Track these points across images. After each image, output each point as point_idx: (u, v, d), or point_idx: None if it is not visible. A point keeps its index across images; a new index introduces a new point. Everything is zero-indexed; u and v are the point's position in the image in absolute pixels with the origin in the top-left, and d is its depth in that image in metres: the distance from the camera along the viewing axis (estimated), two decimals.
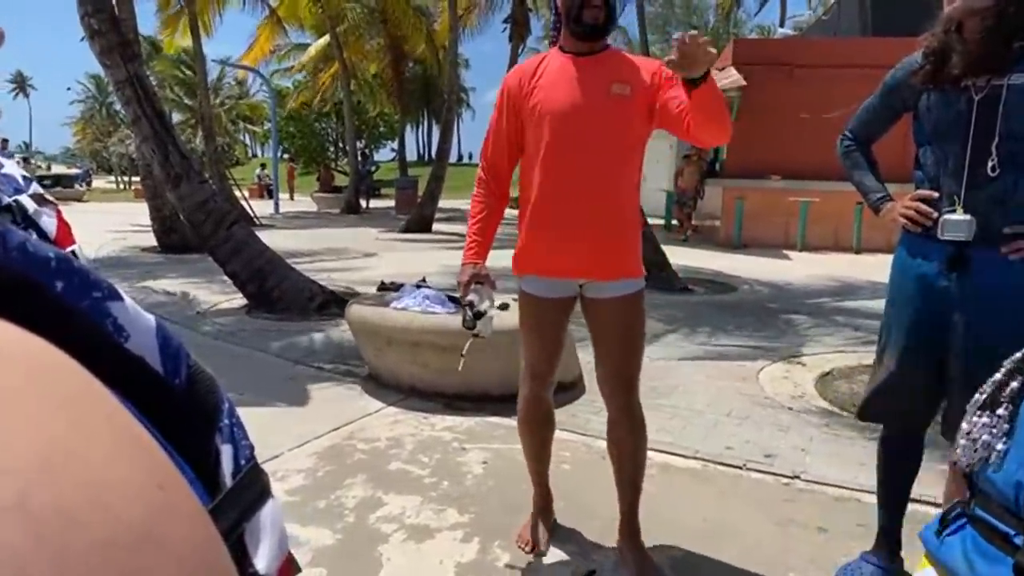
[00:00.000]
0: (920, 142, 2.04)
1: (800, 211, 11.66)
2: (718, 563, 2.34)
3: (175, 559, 0.20)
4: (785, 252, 11.35)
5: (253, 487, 0.36)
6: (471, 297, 2.17)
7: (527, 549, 2.39)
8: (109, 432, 0.21)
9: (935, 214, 1.96)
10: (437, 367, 3.85)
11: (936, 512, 2.63)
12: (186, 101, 33.69)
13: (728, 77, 12.26)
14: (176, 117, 32.33)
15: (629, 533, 2.34)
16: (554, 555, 2.38)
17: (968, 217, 1.89)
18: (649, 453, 3.19)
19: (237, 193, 15.17)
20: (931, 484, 2.72)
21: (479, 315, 2.15)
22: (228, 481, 0.34)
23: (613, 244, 2.16)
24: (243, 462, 0.36)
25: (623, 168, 2.14)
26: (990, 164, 1.86)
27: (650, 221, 8.00)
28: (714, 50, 1.81)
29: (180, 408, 0.32)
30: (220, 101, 36.44)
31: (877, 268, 9.68)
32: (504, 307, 4.00)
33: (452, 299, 4.09)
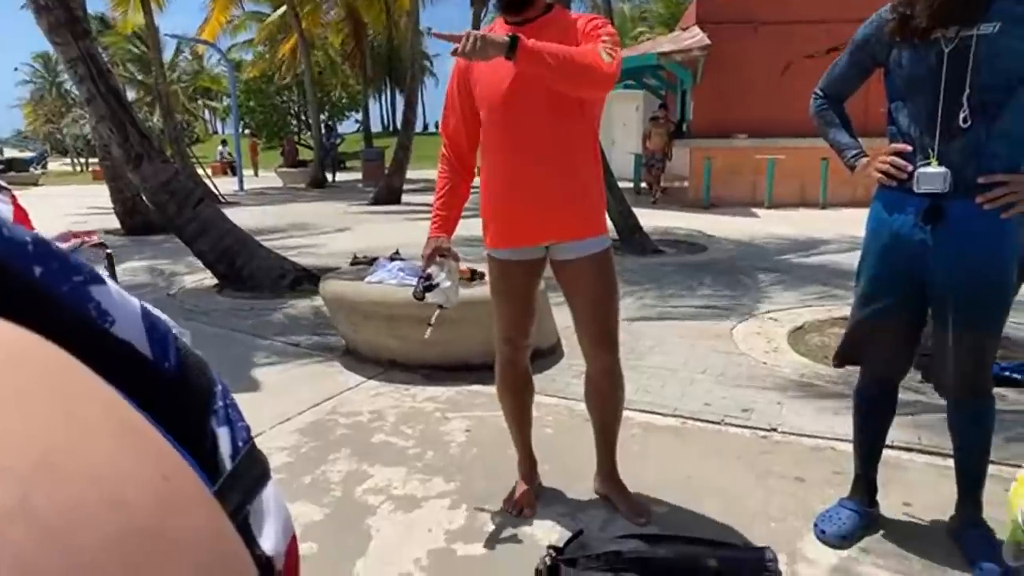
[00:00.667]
0: (892, 97, 2.06)
1: (767, 168, 11.75)
2: (702, 517, 2.40)
3: (189, 547, 0.20)
4: (753, 210, 11.45)
5: (253, 469, 0.35)
6: (430, 270, 2.24)
7: (515, 513, 2.43)
8: (108, 424, 0.21)
9: (910, 167, 1.98)
10: (416, 339, 3.84)
11: (909, 457, 2.71)
12: (139, 77, 32.73)
13: (693, 36, 12.23)
14: (131, 95, 31.40)
15: (611, 477, 2.49)
16: (541, 518, 2.42)
17: (943, 169, 1.92)
18: (630, 413, 3.26)
19: (200, 171, 14.84)
20: (904, 430, 2.81)
21: (429, 288, 2.22)
22: (228, 464, 0.33)
23: (572, 205, 2.20)
24: (241, 444, 0.35)
25: (572, 128, 2.16)
26: (961, 116, 1.88)
27: (620, 184, 8.03)
28: (479, 39, 1.90)
29: (173, 393, 0.31)
30: (177, 76, 35.43)
31: (843, 222, 9.84)
32: (473, 276, 4.00)
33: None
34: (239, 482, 0.33)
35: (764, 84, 11.62)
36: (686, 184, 12.75)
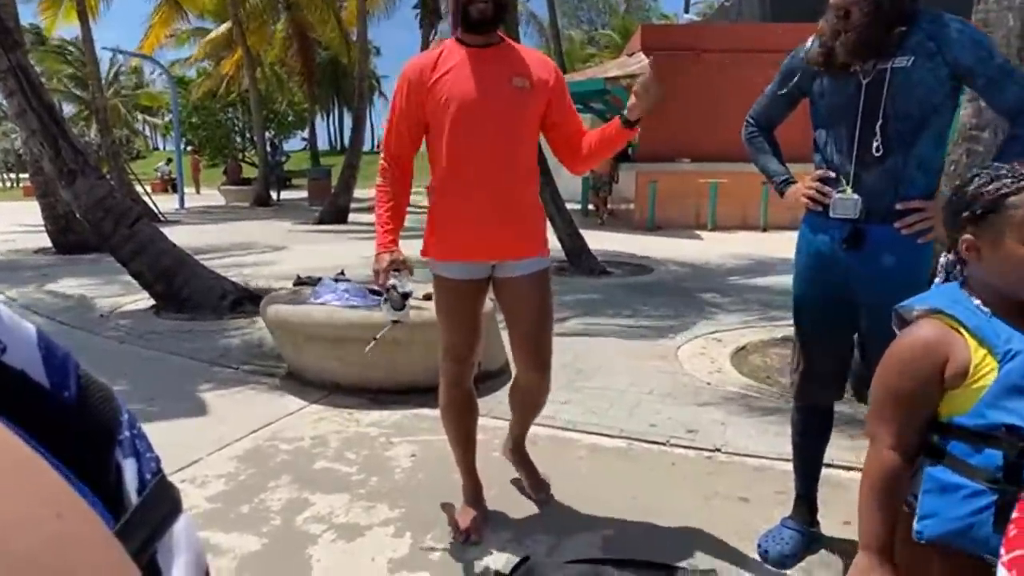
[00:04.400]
0: (816, 125, 2.14)
1: (710, 192, 12.05)
2: (649, 539, 2.40)
3: None
4: (697, 232, 11.71)
5: (162, 503, 0.33)
6: (392, 281, 2.22)
7: (461, 539, 2.38)
8: None
9: (833, 194, 2.04)
10: (360, 362, 3.78)
11: (848, 476, 2.77)
12: (76, 92, 31.75)
13: (639, 62, 12.50)
14: (68, 109, 30.43)
15: (519, 448, 2.73)
16: (488, 543, 2.38)
17: (855, 197, 1.99)
18: (577, 435, 3.27)
19: (139, 188, 14.42)
20: (842, 449, 2.87)
21: (407, 295, 2.23)
22: (134, 498, 0.31)
23: (521, 227, 2.30)
24: (149, 476, 0.33)
25: (526, 155, 2.29)
26: (875, 144, 1.96)
27: (568, 206, 8.11)
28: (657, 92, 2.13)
29: (72, 423, 0.29)
30: (114, 91, 34.47)
31: (784, 245, 10.08)
32: (428, 297, 3.96)
33: (373, 292, 4.02)
34: (146, 517, 0.31)
35: (706, 110, 11.96)
36: (632, 207, 12.97)
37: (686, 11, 31.51)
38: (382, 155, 2.38)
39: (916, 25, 1.91)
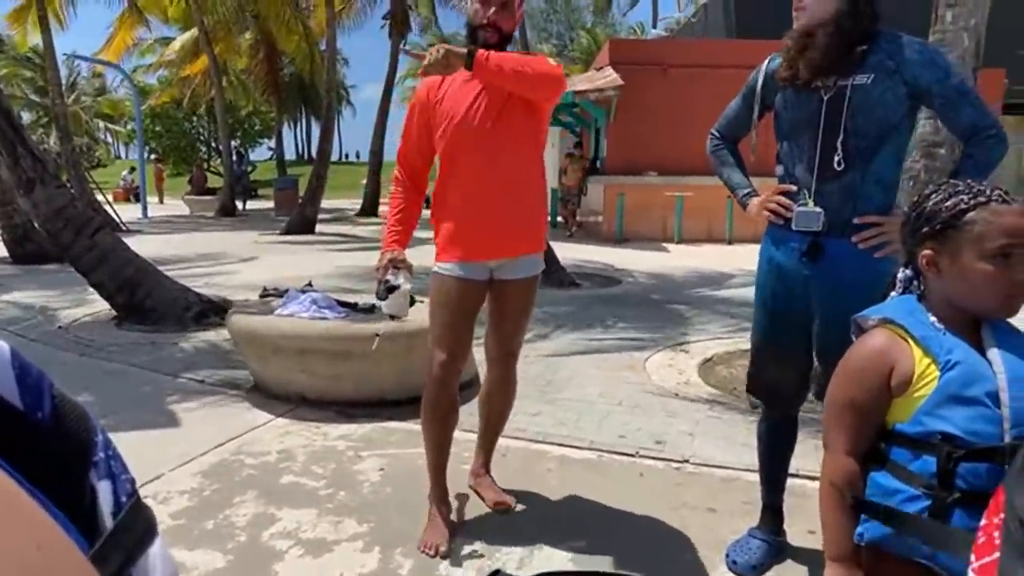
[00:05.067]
0: (779, 138, 2.18)
1: (676, 205, 12.19)
2: (618, 550, 2.41)
3: None
4: (664, 245, 11.84)
5: (137, 526, 0.33)
6: (388, 275, 2.42)
7: (431, 553, 2.37)
8: None
9: (795, 206, 2.08)
10: (328, 374, 3.74)
11: (813, 485, 2.79)
12: (34, 98, 31.06)
13: (606, 76, 12.64)
14: (26, 116, 29.74)
15: (485, 472, 2.78)
16: (457, 557, 2.37)
17: (818, 209, 2.04)
18: (547, 447, 3.28)
19: (100, 197, 14.12)
20: (808, 460, 2.92)
21: (391, 288, 2.41)
22: (108, 521, 0.31)
23: (524, 225, 2.46)
24: (124, 498, 0.32)
25: (526, 158, 2.44)
26: (836, 159, 2.01)
27: None
28: (442, 53, 2.18)
29: (47, 446, 0.28)
30: (75, 98, 33.79)
31: (748, 258, 10.20)
32: (411, 302, 3.95)
33: (342, 303, 3.99)
34: (121, 541, 0.31)
35: (673, 124, 12.13)
36: (600, 219, 13.06)
37: (654, 26, 31.98)
38: (397, 166, 2.57)
39: (876, 44, 1.97)
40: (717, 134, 2.41)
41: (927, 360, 1.24)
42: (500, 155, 2.36)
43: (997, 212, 1.22)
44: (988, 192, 1.25)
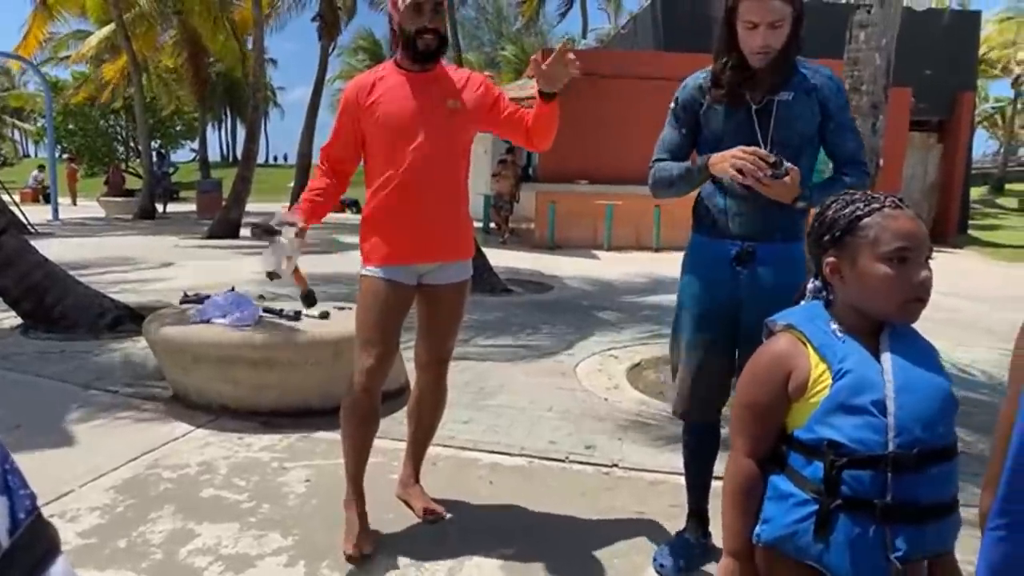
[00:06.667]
0: (704, 151, 2.23)
1: (606, 213, 12.41)
2: (548, 556, 2.41)
3: None
4: (594, 252, 12.01)
5: (37, 544, 0.30)
6: (272, 223, 2.39)
7: (357, 555, 2.32)
8: None
9: (770, 170, 1.96)
10: (251, 383, 3.63)
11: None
12: None
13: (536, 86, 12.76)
14: None
15: (414, 482, 2.74)
16: (385, 568, 2.33)
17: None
18: (478, 454, 3.26)
19: (6, 198, 13.33)
20: None
21: (269, 231, 2.37)
22: (5, 540, 0.29)
23: (455, 231, 2.49)
24: (23, 515, 0.30)
25: (458, 167, 2.48)
26: None
27: None
28: (576, 68, 2.30)
29: None
30: None
31: (675, 265, 10.45)
32: (325, 315, 3.87)
33: (268, 310, 3.88)
34: (18, 560, 0.29)
35: (603, 134, 12.35)
36: (532, 226, 13.17)
37: (584, 36, 32.49)
38: (321, 161, 2.55)
39: (796, 68, 2.14)
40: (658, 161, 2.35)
41: (823, 366, 1.28)
42: (436, 163, 2.38)
43: (891, 216, 1.29)
44: (882, 199, 1.32)
